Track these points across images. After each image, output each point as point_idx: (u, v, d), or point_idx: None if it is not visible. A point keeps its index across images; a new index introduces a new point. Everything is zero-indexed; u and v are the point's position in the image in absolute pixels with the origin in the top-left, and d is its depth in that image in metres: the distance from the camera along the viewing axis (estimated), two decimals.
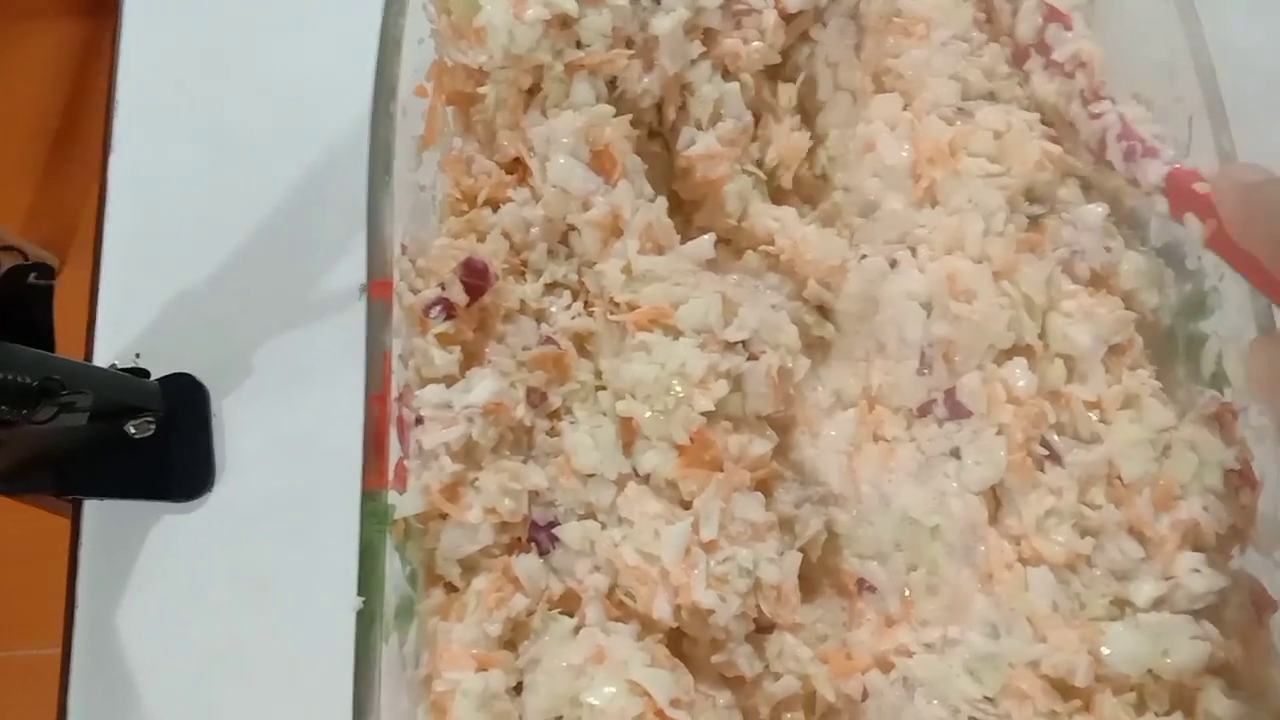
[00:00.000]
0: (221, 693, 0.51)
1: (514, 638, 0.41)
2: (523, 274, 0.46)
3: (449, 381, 0.42)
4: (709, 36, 0.49)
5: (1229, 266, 0.39)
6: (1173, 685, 0.40)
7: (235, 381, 0.56)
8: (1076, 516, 0.41)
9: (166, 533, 0.53)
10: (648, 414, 0.42)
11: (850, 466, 0.46)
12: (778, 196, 0.52)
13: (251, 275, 0.58)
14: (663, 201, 0.46)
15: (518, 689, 0.39)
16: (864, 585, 0.45)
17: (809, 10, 0.51)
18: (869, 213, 0.48)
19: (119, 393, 0.52)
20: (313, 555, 0.48)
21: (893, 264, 0.46)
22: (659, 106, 0.49)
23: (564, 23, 0.44)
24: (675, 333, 0.43)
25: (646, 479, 0.42)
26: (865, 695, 0.43)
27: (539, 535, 0.42)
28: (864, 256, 0.47)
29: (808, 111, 0.53)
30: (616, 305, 0.44)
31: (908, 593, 0.44)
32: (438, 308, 0.42)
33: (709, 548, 0.40)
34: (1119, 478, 0.42)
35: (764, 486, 0.44)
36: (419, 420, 0.41)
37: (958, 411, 0.44)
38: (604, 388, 0.44)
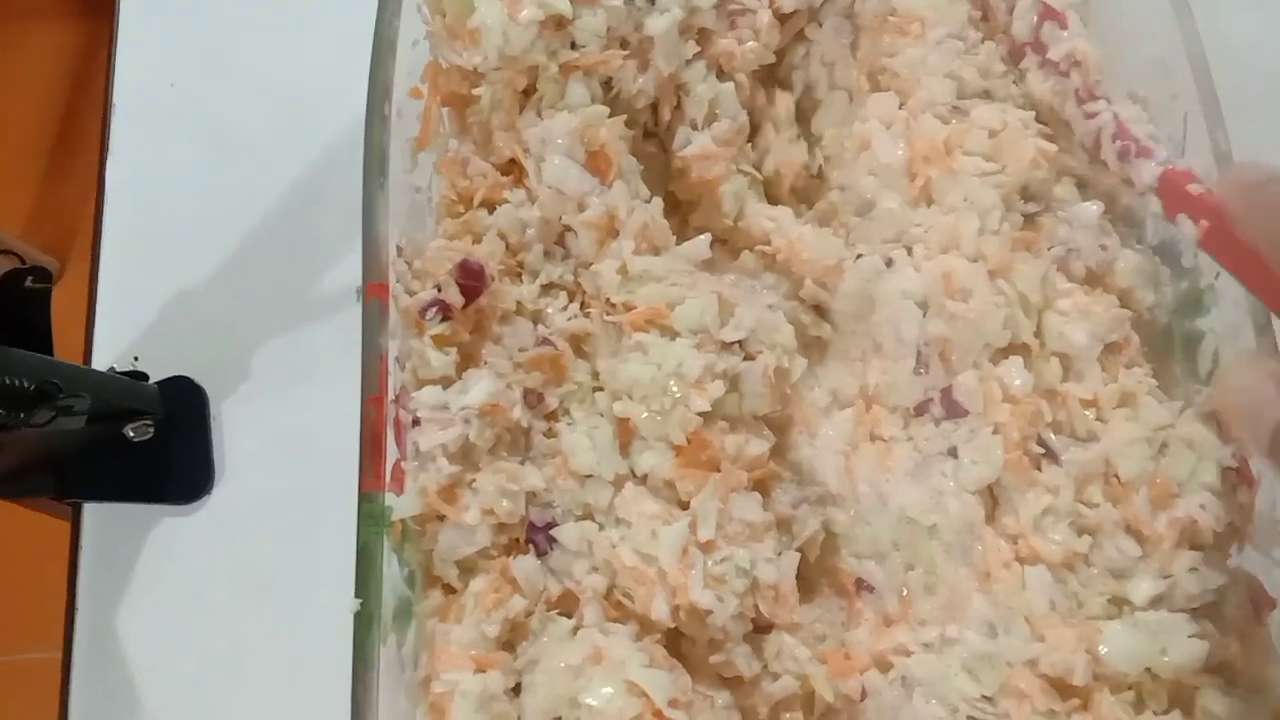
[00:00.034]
0: (221, 694, 0.51)
1: (512, 639, 0.41)
2: (519, 275, 0.46)
3: (445, 383, 0.42)
4: (704, 36, 0.49)
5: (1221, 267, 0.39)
6: (1171, 684, 0.40)
7: (234, 383, 0.56)
8: (1074, 515, 0.41)
9: (166, 535, 0.53)
10: (644, 414, 0.42)
11: (847, 466, 0.46)
12: (774, 196, 0.52)
13: (250, 277, 0.58)
14: (658, 202, 0.46)
15: (516, 690, 0.40)
16: (862, 585, 0.45)
17: (804, 10, 0.51)
18: (865, 212, 0.48)
19: (117, 396, 0.52)
20: (312, 556, 0.48)
21: (889, 263, 0.46)
22: (654, 107, 0.49)
23: (558, 24, 0.44)
24: (671, 333, 0.42)
25: (644, 479, 0.42)
26: (864, 695, 0.43)
27: (537, 536, 0.42)
28: (860, 256, 0.47)
29: (803, 110, 0.53)
30: (613, 306, 0.44)
31: (905, 592, 0.44)
32: (434, 309, 0.42)
33: (706, 548, 0.40)
34: (1116, 476, 0.42)
35: (761, 486, 0.44)
36: (416, 422, 0.41)
37: (954, 410, 0.44)
38: (601, 388, 0.44)
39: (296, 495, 0.53)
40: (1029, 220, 0.46)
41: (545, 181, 0.45)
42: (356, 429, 0.41)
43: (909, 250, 0.46)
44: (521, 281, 0.46)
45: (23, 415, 0.45)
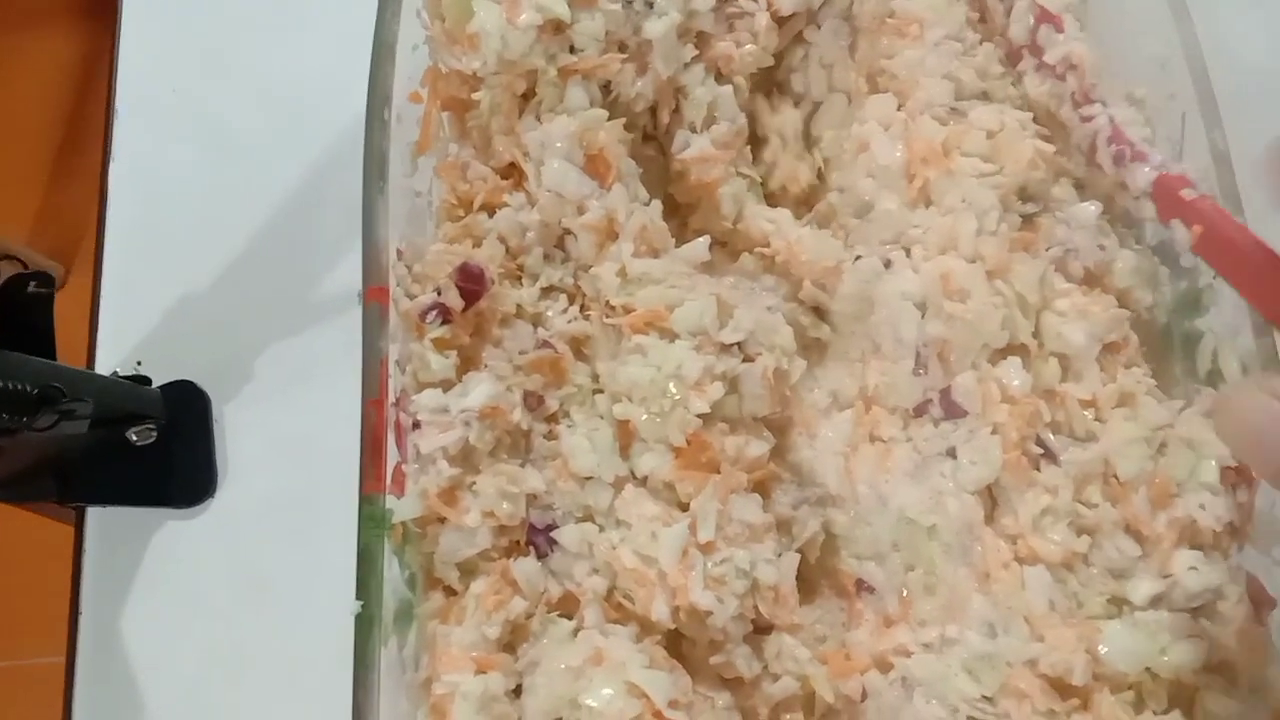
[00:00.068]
0: (224, 696, 0.51)
1: (513, 640, 0.41)
2: (519, 278, 0.46)
3: (446, 386, 0.42)
4: (702, 40, 0.49)
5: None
6: (1171, 683, 0.40)
7: (236, 387, 0.56)
8: (1073, 515, 0.41)
9: (169, 539, 0.54)
10: (644, 416, 0.42)
11: (847, 467, 0.46)
12: (772, 198, 0.52)
13: (252, 280, 0.58)
14: (657, 205, 0.47)
15: (517, 691, 0.40)
16: (862, 586, 0.45)
17: (802, 12, 0.51)
18: (863, 213, 0.49)
19: (120, 400, 0.53)
20: (313, 559, 0.48)
21: (887, 264, 0.46)
22: (653, 110, 0.49)
23: (557, 28, 0.45)
24: (671, 335, 0.43)
25: (644, 481, 0.42)
26: (864, 696, 0.43)
27: (537, 538, 0.42)
28: (859, 257, 0.47)
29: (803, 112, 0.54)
30: (612, 308, 0.44)
31: (905, 593, 0.44)
32: (434, 313, 0.42)
33: (706, 549, 0.40)
34: (1115, 476, 0.42)
35: (761, 488, 0.44)
36: (416, 425, 0.42)
37: (953, 411, 0.44)
38: (601, 391, 0.44)
39: (298, 498, 0.53)
40: (1027, 221, 0.46)
41: (545, 185, 0.45)
42: (357, 432, 0.41)
43: (907, 251, 0.46)
44: (521, 284, 0.46)
45: (26, 419, 0.45)
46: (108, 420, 0.51)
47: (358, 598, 0.38)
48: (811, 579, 0.46)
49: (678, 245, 0.46)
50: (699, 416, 0.41)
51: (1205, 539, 0.41)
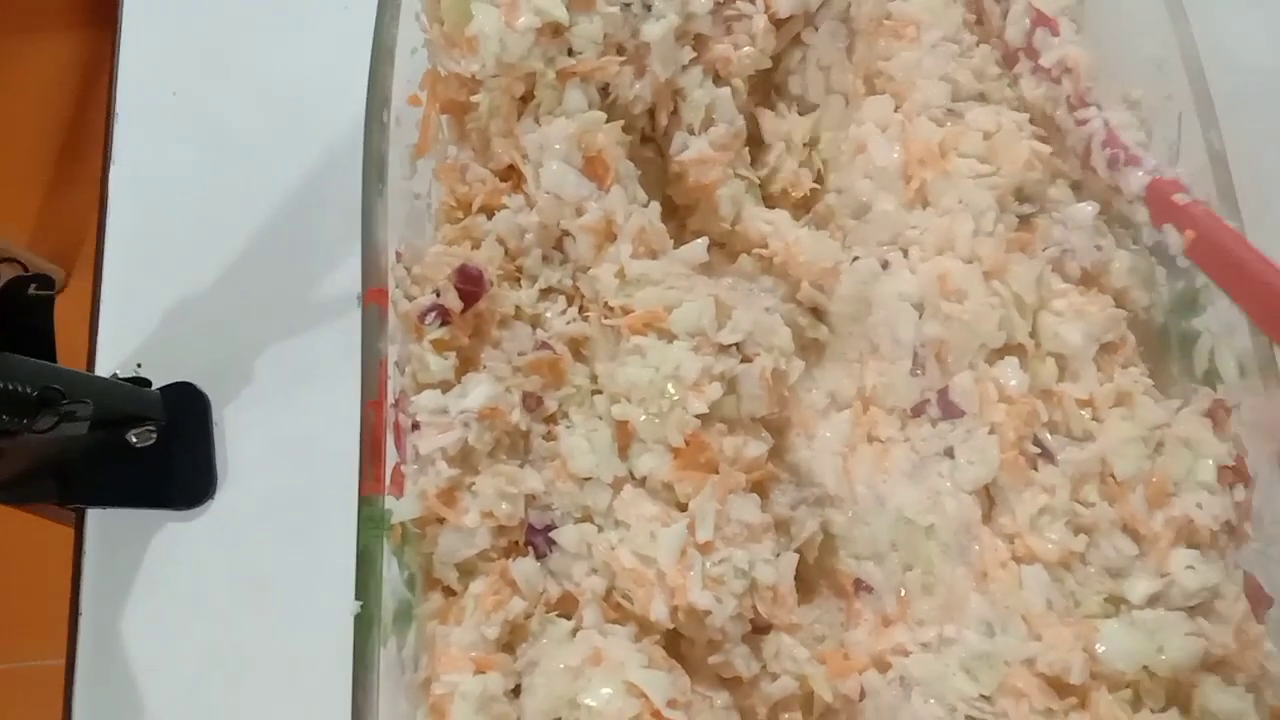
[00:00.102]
0: (224, 697, 0.51)
1: (512, 640, 0.41)
2: (518, 280, 0.46)
3: (445, 387, 0.43)
4: (700, 42, 0.49)
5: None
6: (1168, 682, 0.40)
7: (236, 388, 0.56)
8: (1070, 514, 0.42)
9: (169, 540, 0.54)
10: (643, 417, 0.42)
11: (845, 467, 0.46)
12: (771, 200, 0.52)
13: (252, 282, 0.58)
14: (656, 206, 0.47)
15: (516, 691, 0.40)
16: (860, 585, 0.45)
17: (799, 14, 0.51)
18: (861, 214, 0.49)
19: (120, 402, 0.53)
20: (313, 560, 0.48)
21: (885, 265, 0.46)
22: (651, 112, 0.49)
23: (555, 30, 0.45)
24: (669, 336, 0.43)
25: (642, 482, 0.42)
26: (863, 695, 0.43)
27: (536, 539, 0.42)
28: (856, 258, 0.47)
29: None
30: (611, 310, 0.44)
31: (903, 592, 0.44)
32: (433, 314, 0.43)
33: (705, 549, 0.41)
34: (1112, 475, 0.42)
35: (760, 488, 0.44)
36: (415, 426, 0.42)
37: (951, 411, 0.44)
38: (599, 391, 0.44)
39: (297, 499, 0.53)
40: (1024, 221, 0.46)
41: (543, 187, 0.45)
42: (356, 433, 0.41)
43: (905, 252, 0.47)
44: (520, 286, 0.46)
45: (26, 421, 0.45)
46: (107, 422, 0.51)
47: (357, 598, 0.39)
48: (810, 579, 0.46)
49: (676, 247, 0.47)
50: (697, 417, 0.41)
51: (1202, 538, 0.41)
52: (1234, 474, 0.42)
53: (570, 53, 0.46)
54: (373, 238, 0.44)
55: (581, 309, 0.46)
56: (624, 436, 0.43)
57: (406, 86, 0.47)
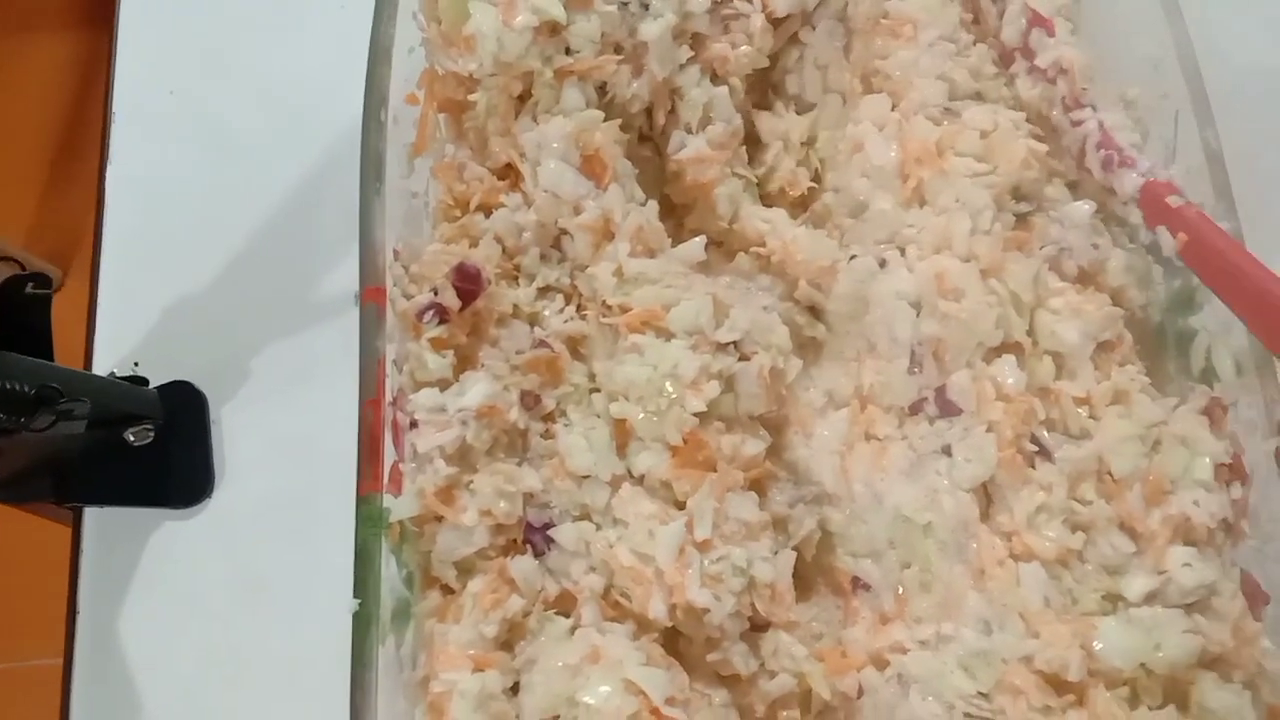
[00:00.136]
0: (222, 696, 0.51)
1: (510, 639, 0.41)
2: (515, 278, 0.46)
3: (443, 385, 0.43)
4: (697, 41, 0.49)
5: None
6: (1165, 679, 0.40)
7: (234, 387, 0.56)
8: (1067, 512, 0.42)
9: (166, 539, 0.54)
10: (641, 415, 0.42)
11: (843, 465, 0.46)
12: (769, 199, 0.52)
13: (250, 281, 0.58)
14: (654, 205, 0.47)
15: (514, 689, 0.40)
16: (858, 583, 0.45)
17: (797, 14, 0.52)
18: (858, 213, 0.49)
19: (117, 400, 0.53)
20: (311, 558, 0.48)
21: (882, 264, 0.47)
22: (649, 111, 0.49)
23: (553, 29, 0.45)
24: (667, 334, 0.43)
25: (641, 480, 0.42)
26: (860, 692, 0.43)
27: (534, 537, 0.42)
28: (854, 257, 0.48)
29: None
30: (609, 308, 0.44)
31: (901, 590, 0.44)
32: (431, 312, 0.43)
33: (703, 547, 0.41)
34: (1109, 473, 0.42)
35: (757, 486, 0.44)
36: (413, 424, 0.42)
37: (948, 409, 0.45)
38: (597, 390, 0.44)
39: (296, 497, 0.53)
40: (1021, 220, 0.46)
41: (541, 185, 0.45)
42: (355, 432, 0.41)
43: (902, 251, 0.47)
44: (518, 284, 0.46)
45: (23, 420, 0.45)
46: (105, 421, 0.51)
47: (355, 596, 0.39)
48: (808, 577, 0.46)
49: (674, 245, 0.47)
50: (695, 415, 0.41)
51: (1199, 535, 0.41)
52: (1231, 472, 0.42)
53: (568, 51, 0.46)
54: (370, 236, 0.44)
55: (579, 307, 0.46)
56: (622, 435, 0.43)
57: (404, 85, 0.47)
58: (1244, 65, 0.56)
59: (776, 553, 0.42)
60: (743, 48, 0.50)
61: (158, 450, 0.54)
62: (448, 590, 0.42)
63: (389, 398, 0.42)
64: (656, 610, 0.40)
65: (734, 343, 0.43)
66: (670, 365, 0.42)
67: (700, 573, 0.40)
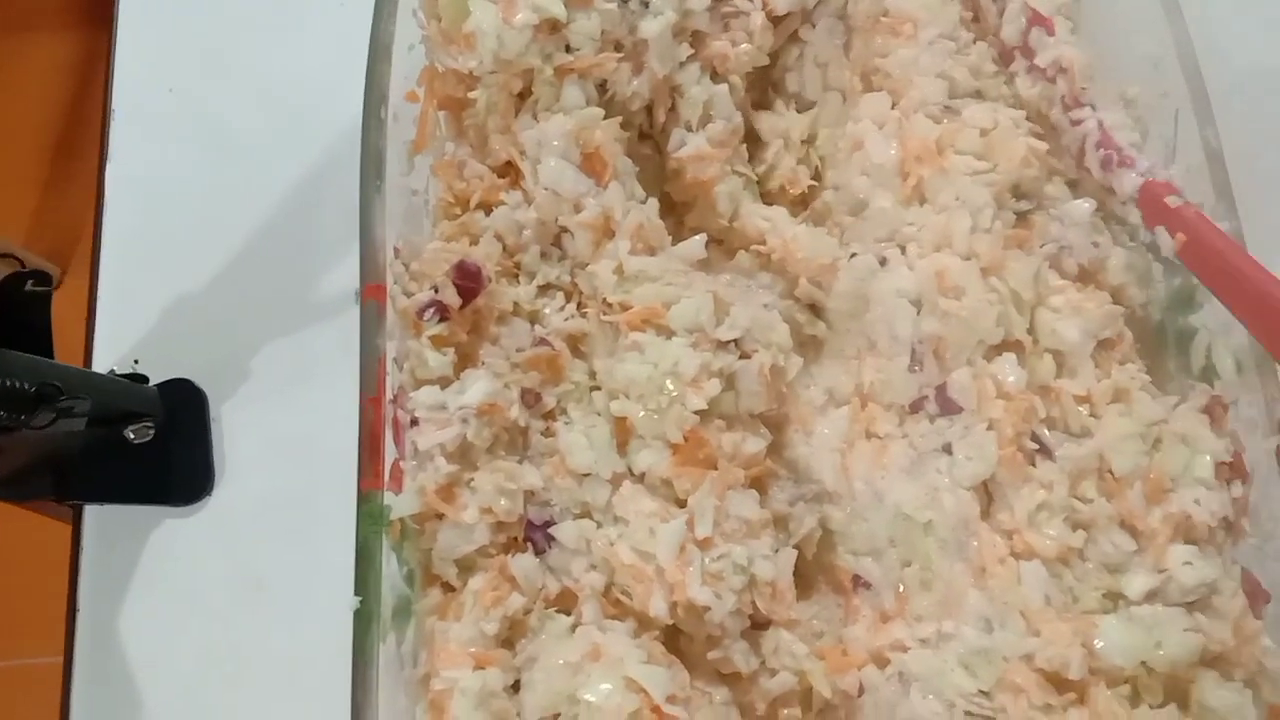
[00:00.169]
0: (222, 694, 0.51)
1: (511, 636, 0.41)
2: (516, 276, 0.46)
3: (443, 383, 0.43)
4: (697, 39, 0.49)
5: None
6: (1166, 677, 0.40)
7: (234, 385, 0.56)
8: (1068, 510, 0.42)
9: (167, 537, 0.54)
10: (641, 413, 0.42)
11: (844, 463, 0.46)
12: (769, 197, 0.52)
13: (250, 279, 0.58)
14: (654, 203, 0.47)
15: (515, 687, 0.40)
16: (859, 581, 0.45)
17: (797, 12, 0.52)
18: (858, 211, 0.49)
19: (117, 398, 0.53)
20: (312, 556, 0.48)
21: (882, 262, 0.47)
22: (649, 109, 0.49)
23: (553, 27, 0.45)
24: (668, 332, 0.43)
25: (641, 478, 0.42)
26: (861, 691, 0.43)
27: (535, 535, 0.42)
28: (854, 255, 0.48)
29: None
30: (609, 306, 0.44)
31: (902, 588, 0.44)
32: (431, 310, 0.43)
33: (704, 545, 0.41)
34: (1110, 471, 0.42)
35: (758, 484, 0.44)
36: (414, 422, 0.42)
37: (949, 407, 0.45)
38: (598, 388, 0.44)
39: (296, 495, 0.53)
40: (1021, 218, 0.46)
41: (541, 183, 0.45)
42: (355, 430, 0.41)
43: (902, 249, 0.47)
44: (518, 282, 0.46)
45: (23, 417, 0.45)
46: (105, 418, 0.51)
47: (356, 594, 0.39)
48: (808, 575, 0.46)
49: (674, 243, 0.47)
50: (696, 413, 0.41)
51: (1200, 534, 0.41)
52: (1231, 470, 0.42)
53: (568, 49, 0.46)
54: (371, 234, 0.44)
55: (580, 305, 0.46)
56: (623, 432, 0.43)
57: (404, 83, 0.47)
58: (1244, 65, 0.56)
59: (777, 551, 0.42)
60: (743, 45, 0.50)
61: (158, 448, 0.54)
62: (448, 588, 0.42)
63: (390, 395, 0.42)
64: (657, 608, 0.40)
65: (734, 340, 0.43)
66: (671, 363, 0.42)
67: (701, 571, 0.40)
